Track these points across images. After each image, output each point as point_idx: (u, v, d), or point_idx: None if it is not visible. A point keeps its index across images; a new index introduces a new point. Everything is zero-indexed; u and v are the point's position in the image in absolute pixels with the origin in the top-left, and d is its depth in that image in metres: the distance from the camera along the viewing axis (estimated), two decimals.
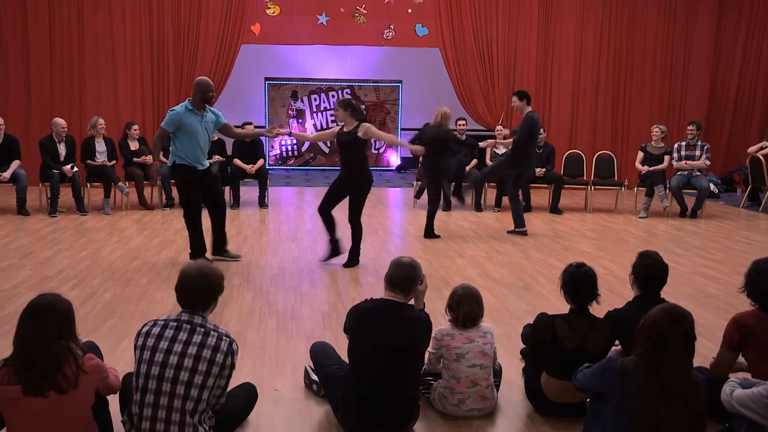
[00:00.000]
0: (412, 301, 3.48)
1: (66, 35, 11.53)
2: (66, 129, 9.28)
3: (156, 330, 2.94)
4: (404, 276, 3.37)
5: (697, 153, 9.88)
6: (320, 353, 3.70)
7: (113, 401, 3.14)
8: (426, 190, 8.82)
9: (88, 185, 9.46)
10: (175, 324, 2.95)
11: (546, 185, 10.36)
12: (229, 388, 3.14)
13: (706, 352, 4.07)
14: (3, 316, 4.92)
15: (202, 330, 2.93)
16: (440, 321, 3.87)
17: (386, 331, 3.27)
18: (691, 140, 9.93)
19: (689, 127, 10.02)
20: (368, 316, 3.35)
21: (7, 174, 8.84)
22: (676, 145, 10.10)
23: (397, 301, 3.38)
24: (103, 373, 2.93)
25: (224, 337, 2.96)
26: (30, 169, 9.41)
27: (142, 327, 3.00)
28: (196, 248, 6.52)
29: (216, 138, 10.34)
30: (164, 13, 11.73)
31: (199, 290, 3.00)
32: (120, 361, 4.05)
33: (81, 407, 2.85)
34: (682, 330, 2.78)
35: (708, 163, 9.95)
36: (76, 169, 9.18)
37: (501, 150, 10.37)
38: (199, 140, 6.29)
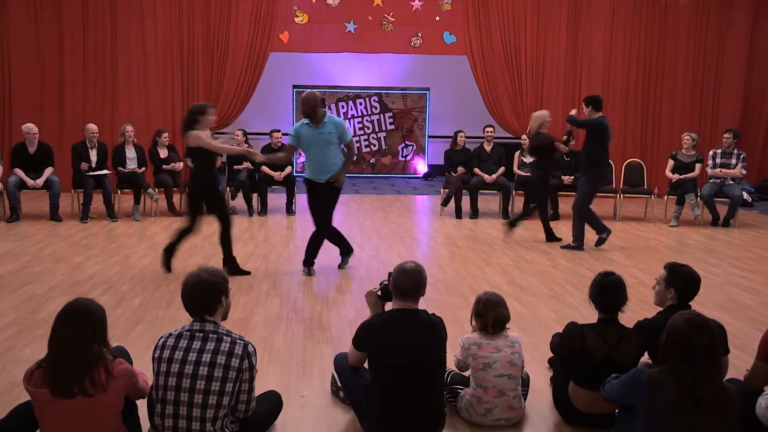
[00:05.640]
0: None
1: (99, 44, 11.75)
2: (97, 134, 9.40)
3: (171, 341, 2.97)
4: (414, 282, 3.34)
5: (733, 161, 9.69)
6: (345, 365, 3.66)
7: (142, 406, 3.17)
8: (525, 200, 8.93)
9: (119, 192, 9.60)
10: (188, 334, 2.97)
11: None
12: (256, 393, 3.14)
13: (740, 363, 3.98)
14: (36, 320, 5.01)
15: (215, 336, 2.95)
16: (467, 329, 3.84)
17: (411, 339, 3.26)
18: (727, 148, 9.75)
19: (725, 135, 9.83)
20: (389, 329, 3.31)
21: (40, 181, 9.01)
22: (711, 153, 9.92)
23: (411, 308, 3.36)
24: (132, 378, 2.97)
25: (238, 341, 2.96)
26: (63, 176, 9.56)
27: (159, 339, 3.03)
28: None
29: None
30: (194, 21, 11.90)
31: (197, 298, 3.00)
32: (149, 366, 4.03)
33: (111, 411, 2.89)
34: (707, 338, 2.74)
35: (744, 172, 9.75)
36: (107, 172, 9.32)
37: (528, 159, 10.27)
38: (310, 152, 6.33)
